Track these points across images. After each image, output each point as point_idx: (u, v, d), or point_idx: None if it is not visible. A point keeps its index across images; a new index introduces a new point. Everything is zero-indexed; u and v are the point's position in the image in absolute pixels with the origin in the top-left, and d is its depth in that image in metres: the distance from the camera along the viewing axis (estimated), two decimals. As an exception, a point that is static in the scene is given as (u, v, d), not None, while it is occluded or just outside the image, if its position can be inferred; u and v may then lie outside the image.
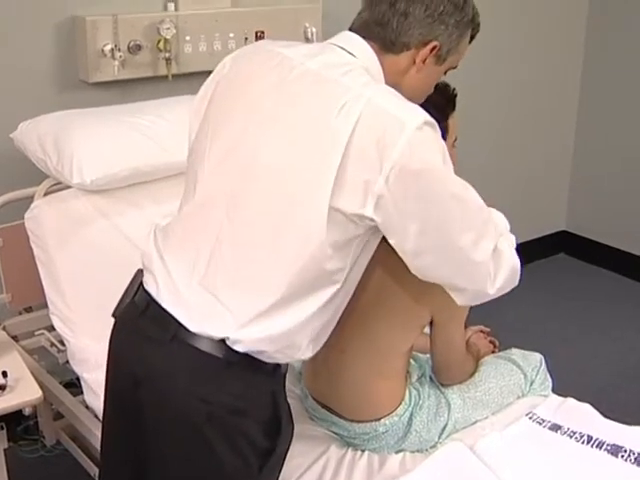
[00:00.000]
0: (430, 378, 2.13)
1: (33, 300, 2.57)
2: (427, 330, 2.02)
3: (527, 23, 3.98)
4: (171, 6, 2.85)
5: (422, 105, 1.77)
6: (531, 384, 2.24)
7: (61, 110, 2.57)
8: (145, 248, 1.69)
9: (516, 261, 1.71)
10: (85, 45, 2.67)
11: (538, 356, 2.30)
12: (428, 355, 2.12)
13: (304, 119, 1.53)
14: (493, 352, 2.32)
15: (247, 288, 1.56)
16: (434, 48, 1.62)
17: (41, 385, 2.14)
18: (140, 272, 1.70)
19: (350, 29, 1.67)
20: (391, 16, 1.60)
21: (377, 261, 1.91)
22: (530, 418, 2.14)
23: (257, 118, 1.58)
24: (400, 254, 1.58)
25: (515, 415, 2.16)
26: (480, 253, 1.61)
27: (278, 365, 1.65)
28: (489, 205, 1.73)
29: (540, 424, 2.12)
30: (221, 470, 1.61)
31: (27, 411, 2.17)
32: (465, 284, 1.67)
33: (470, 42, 1.72)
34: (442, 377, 2.10)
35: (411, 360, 2.11)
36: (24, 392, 2.06)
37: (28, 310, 2.65)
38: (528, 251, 4.38)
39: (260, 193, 1.55)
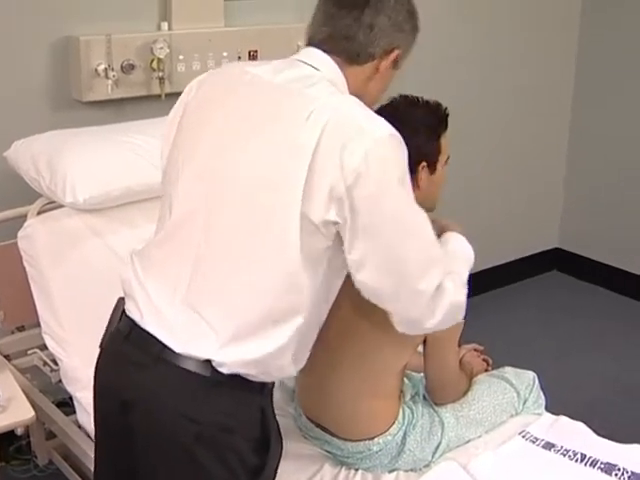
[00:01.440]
0: (424, 397, 2.14)
1: (26, 319, 2.56)
2: (421, 349, 2.02)
3: (518, 43, 4.01)
4: (164, 26, 2.86)
5: (414, 123, 1.85)
6: (524, 402, 2.24)
7: (54, 129, 2.57)
8: (124, 274, 1.70)
9: (459, 298, 1.65)
10: (79, 64, 2.68)
11: (531, 374, 2.31)
12: (422, 374, 2.12)
13: (273, 132, 1.56)
14: (486, 370, 2.32)
15: (228, 306, 1.57)
16: (397, 55, 1.68)
17: (33, 404, 2.13)
18: (122, 300, 1.71)
19: (310, 44, 1.70)
20: (357, 29, 1.63)
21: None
22: (523, 437, 2.14)
23: (227, 137, 1.61)
24: (348, 264, 1.57)
25: (508, 434, 2.16)
26: (423, 283, 1.59)
27: (266, 383, 1.66)
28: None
29: (533, 442, 2.12)
30: None
31: (19, 431, 2.16)
32: (401, 311, 1.65)
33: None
34: (436, 396, 2.10)
35: (405, 379, 2.11)
36: (16, 412, 2.06)
37: (21, 329, 2.64)
38: (521, 268, 4.41)
39: (235, 207, 1.57)
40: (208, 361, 1.56)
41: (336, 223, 1.52)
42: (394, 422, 2.02)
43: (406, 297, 1.61)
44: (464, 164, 3.60)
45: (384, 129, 1.53)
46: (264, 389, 1.66)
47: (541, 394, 2.30)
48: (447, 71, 3.75)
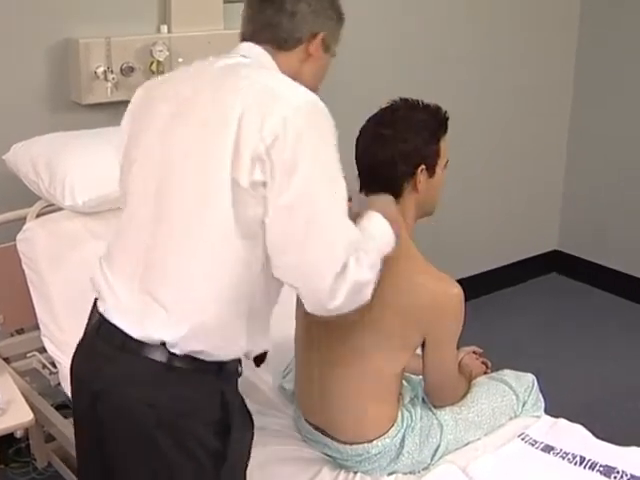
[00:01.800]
0: (423, 399, 2.13)
1: (25, 322, 2.56)
2: (419, 351, 2.02)
3: (517, 45, 4.01)
4: (164, 28, 2.86)
5: (414, 126, 1.88)
6: (523, 405, 2.24)
7: (53, 131, 2.57)
8: (93, 276, 1.78)
9: (362, 277, 1.62)
10: (78, 67, 2.68)
11: (530, 377, 2.31)
12: (420, 376, 2.12)
13: (208, 108, 1.64)
14: (485, 373, 2.32)
15: (177, 284, 1.63)
16: (323, 39, 1.77)
17: (32, 407, 2.13)
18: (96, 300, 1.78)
19: (242, 41, 1.80)
20: (280, 18, 1.74)
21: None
22: (523, 439, 2.14)
23: (168, 125, 1.68)
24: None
25: (507, 436, 2.16)
26: (327, 261, 1.58)
27: (224, 364, 1.67)
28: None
29: (533, 445, 2.12)
30: (176, 474, 1.64)
31: (18, 434, 2.16)
32: (306, 291, 1.64)
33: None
34: (434, 399, 2.10)
35: (403, 381, 2.11)
36: (15, 415, 2.06)
37: (20, 332, 2.64)
38: (520, 270, 4.41)
39: (176, 191, 1.64)
40: (164, 346, 1.61)
41: (264, 183, 1.56)
42: (393, 425, 2.02)
43: (308, 273, 1.60)
44: (463, 166, 3.60)
45: (304, 97, 1.62)
46: (222, 371, 1.67)
47: (540, 397, 2.30)
48: (446, 72, 3.75)
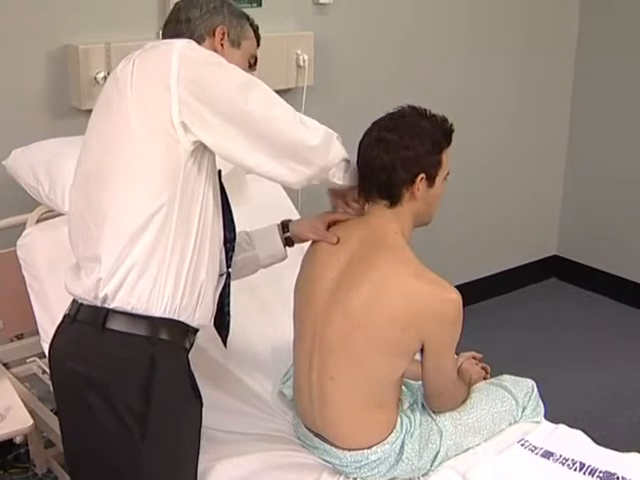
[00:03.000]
0: (422, 405, 2.13)
1: (24, 327, 2.56)
2: (418, 357, 2.02)
3: (518, 51, 4.02)
4: (163, 34, 2.87)
5: (418, 134, 1.94)
6: (523, 410, 2.24)
7: (53, 137, 2.58)
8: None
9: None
10: (78, 73, 2.69)
11: (530, 382, 2.30)
12: (420, 382, 2.12)
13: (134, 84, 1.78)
14: (485, 378, 2.32)
15: (108, 240, 1.75)
16: (222, 31, 1.96)
17: (32, 413, 2.13)
18: None
19: None
20: (180, 27, 1.98)
21: (355, 288, 1.92)
22: (522, 445, 2.14)
23: (96, 115, 1.88)
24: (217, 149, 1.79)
25: (507, 442, 2.16)
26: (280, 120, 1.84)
27: (157, 329, 1.76)
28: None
29: (532, 451, 2.12)
30: (106, 434, 1.76)
31: (18, 439, 2.16)
32: (283, 150, 1.83)
33: (258, 43, 2.10)
34: (434, 404, 2.10)
35: (403, 387, 2.11)
36: (15, 420, 2.06)
37: (19, 337, 2.64)
38: (520, 276, 4.41)
39: (102, 140, 1.81)
40: (102, 309, 1.75)
41: (183, 124, 1.71)
42: (392, 431, 2.02)
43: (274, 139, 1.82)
44: (462, 171, 3.60)
45: (181, 40, 1.81)
46: (155, 337, 1.76)
47: (540, 402, 2.29)
48: (445, 78, 3.76)
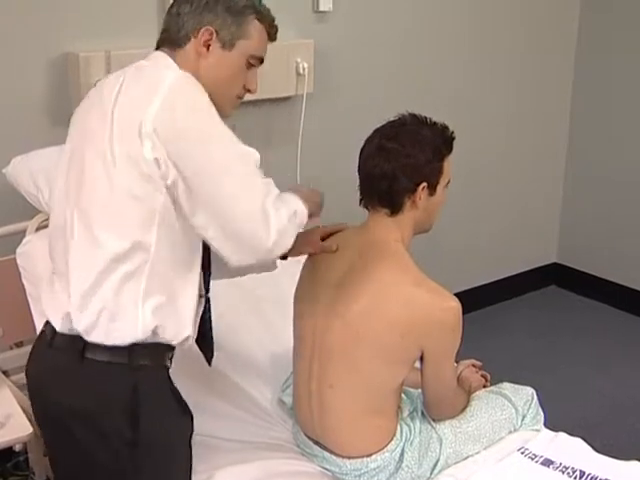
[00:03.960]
0: (422, 413, 2.13)
1: (24, 335, 2.56)
2: (418, 365, 2.02)
3: (517, 57, 4.03)
4: (164, 42, 2.87)
5: (419, 142, 1.93)
6: (523, 418, 2.24)
7: (53, 145, 2.57)
8: None
9: (291, 207, 1.76)
10: (78, 81, 2.69)
11: (530, 390, 2.30)
12: (419, 390, 2.12)
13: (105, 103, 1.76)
14: (485, 386, 2.32)
15: (80, 271, 1.73)
16: (209, 32, 1.83)
17: (31, 421, 2.13)
18: None
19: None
20: (170, 20, 1.89)
21: (354, 296, 1.93)
22: (522, 453, 2.14)
23: (75, 130, 1.86)
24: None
25: (507, 450, 2.16)
26: (245, 202, 1.70)
27: (135, 356, 1.73)
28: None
29: (532, 459, 2.12)
30: (95, 462, 1.76)
31: (17, 447, 2.16)
32: (235, 236, 1.71)
33: (271, 38, 1.94)
34: (433, 412, 2.10)
35: (402, 395, 2.11)
36: (15, 428, 2.06)
37: (19, 345, 2.64)
38: (519, 283, 4.41)
39: (78, 181, 1.77)
40: (79, 338, 1.72)
41: (156, 160, 1.65)
42: (392, 439, 2.02)
43: (236, 219, 1.70)
44: (461, 178, 3.61)
45: (178, 72, 1.74)
46: (136, 363, 1.74)
47: (540, 410, 2.29)
48: (445, 84, 3.77)
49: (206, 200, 1.68)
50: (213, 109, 1.70)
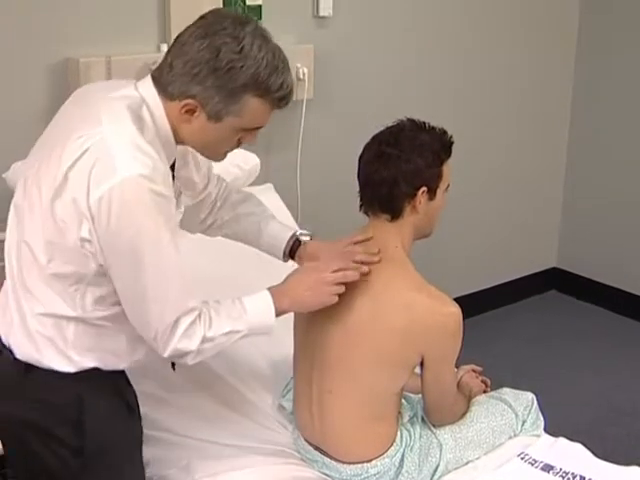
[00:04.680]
0: (422, 418, 2.13)
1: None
2: (418, 370, 2.02)
3: (517, 61, 4.03)
4: (164, 47, 2.87)
5: (418, 147, 1.91)
6: (523, 424, 2.23)
7: (54, 150, 2.58)
8: None
9: (186, 347, 1.73)
10: (78, 86, 2.64)
11: (530, 395, 2.30)
12: (420, 395, 2.11)
13: (58, 136, 1.71)
14: (485, 391, 2.32)
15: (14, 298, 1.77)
16: (193, 105, 1.68)
17: None
18: None
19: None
20: (164, 65, 1.71)
21: (354, 302, 1.93)
22: (522, 458, 2.14)
23: (38, 146, 1.82)
24: None
25: (507, 455, 2.15)
26: (157, 314, 1.70)
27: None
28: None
29: (532, 464, 2.11)
30: (47, 470, 1.78)
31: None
32: (144, 332, 1.74)
33: (281, 107, 1.75)
34: (433, 417, 2.10)
35: (402, 400, 2.11)
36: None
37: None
38: (519, 288, 4.41)
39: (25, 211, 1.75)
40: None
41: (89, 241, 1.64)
42: (392, 444, 2.01)
43: (145, 323, 1.72)
44: (460, 183, 3.60)
45: (134, 169, 1.60)
46: (81, 372, 1.76)
47: (540, 415, 2.29)
48: (445, 88, 3.77)
49: (122, 288, 1.70)
50: (153, 215, 1.62)
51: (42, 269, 1.70)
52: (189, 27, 1.71)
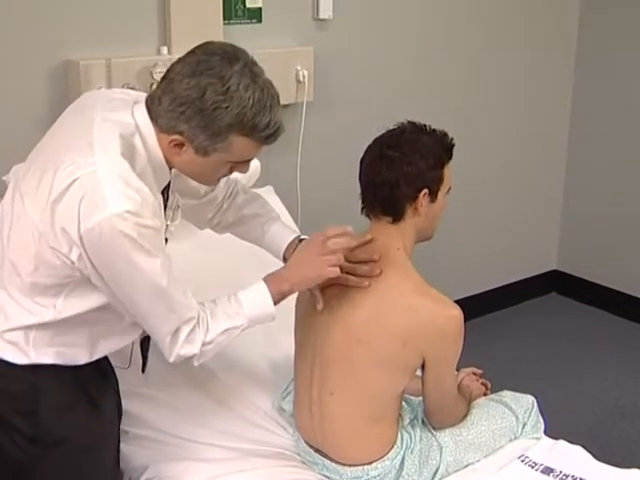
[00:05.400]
0: (422, 421, 2.13)
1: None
2: (419, 373, 2.02)
3: (517, 64, 4.03)
4: (164, 50, 2.88)
5: (419, 150, 1.92)
6: (523, 426, 2.23)
7: (54, 153, 2.58)
8: None
9: (188, 352, 1.81)
10: (78, 89, 2.69)
11: (530, 398, 2.30)
12: (420, 398, 2.11)
13: (53, 153, 1.73)
14: (485, 394, 2.32)
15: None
16: (180, 141, 1.71)
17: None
18: None
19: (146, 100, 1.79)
20: (155, 97, 1.73)
21: (356, 303, 1.92)
22: (522, 461, 2.13)
23: (33, 154, 1.85)
24: None
25: (507, 458, 2.15)
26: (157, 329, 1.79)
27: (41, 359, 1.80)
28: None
29: (532, 467, 2.11)
30: (8, 459, 1.82)
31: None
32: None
33: (269, 143, 1.76)
34: (434, 420, 2.10)
35: (403, 403, 2.11)
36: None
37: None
38: (519, 290, 4.41)
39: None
40: None
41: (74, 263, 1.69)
42: (392, 447, 2.01)
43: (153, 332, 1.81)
44: (461, 185, 3.60)
45: (122, 205, 1.62)
46: (37, 364, 1.79)
47: (540, 418, 2.29)
48: (446, 89, 3.77)
49: (121, 301, 1.74)
50: (141, 246, 1.66)
51: (23, 278, 1.74)
52: (180, 61, 1.73)
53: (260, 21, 3.12)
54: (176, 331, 1.76)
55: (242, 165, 1.81)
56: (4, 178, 2.54)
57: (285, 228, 2.16)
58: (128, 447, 2.14)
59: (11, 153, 2.60)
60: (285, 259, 2.10)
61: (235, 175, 1.91)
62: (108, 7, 2.78)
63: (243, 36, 3.06)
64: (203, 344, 1.80)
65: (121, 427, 2.11)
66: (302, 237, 2.13)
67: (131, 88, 2.73)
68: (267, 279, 1.91)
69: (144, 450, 2.14)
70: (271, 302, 1.88)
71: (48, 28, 2.69)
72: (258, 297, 1.88)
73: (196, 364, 1.86)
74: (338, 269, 1.88)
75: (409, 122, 2.03)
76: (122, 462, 2.11)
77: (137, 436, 2.18)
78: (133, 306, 1.74)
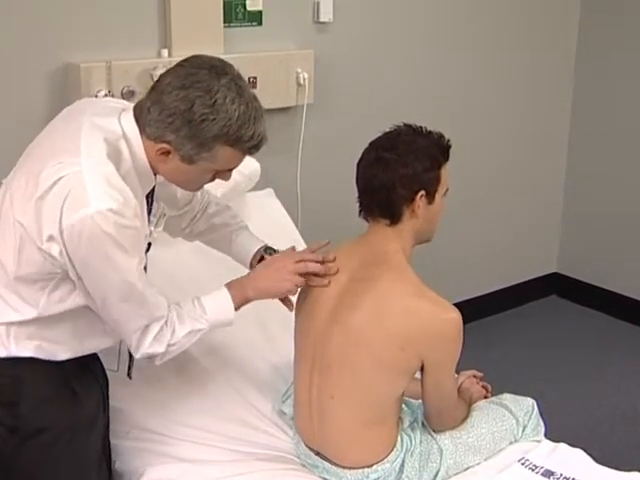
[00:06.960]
0: (422, 424, 2.13)
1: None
2: (419, 375, 2.02)
3: (517, 66, 4.03)
4: (164, 52, 2.88)
5: (415, 151, 1.93)
6: (523, 429, 2.23)
7: (54, 155, 2.58)
8: None
9: (155, 350, 1.87)
10: (79, 91, 2.69)
11: (530, 401, 2.30)
12: (420, 401, 2.11)
13: (41, 155, 1.81)
14: (485, 397, 2.32)
15: None
16: (167, 149, 1.78)
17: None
18: None
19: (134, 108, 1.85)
20: (144, 106, 1.79)
21: (355, 306, 1.93)
22: (523, 464, 2.13)
23: (22, 158, 1.92)
24: None
25: (507, 461, 2.15)
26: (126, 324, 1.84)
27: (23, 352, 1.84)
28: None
29: (533, 470, 2.11)
30: None
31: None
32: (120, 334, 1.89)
33: (252, 154, 1.84)
34: (434, 423, 2.10)
35: (403, 406, 2.11)
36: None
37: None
38: (519, 293, 4.41)
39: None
40: None
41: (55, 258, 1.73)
42: (392, 449, 2.01)
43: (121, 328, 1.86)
44: (461, 188, 3.61)
45: (105, 204, 1.68)
46: (18, 360, 1.84)
47: (540, 421, 2.29)
48: (445, 93, 3.77)
49: (93, 298, 1.79)
50: (119, 244, 1.71)
51: (8, 274, 1.79)
52: (169, 73, 1.79)
53: (260, 24, 3.12)
54: (145, 328, 1.83)
55: (225, 173, 1.88)
56: (4, 181, 2.53)
57: (252, 237, 2.24)
58: (127, 449, 2.14)
59: (11, 155, 2.60)
60: (252, 266, 2.18)
61: (211, 185, 1.97)
62: (108, 10, 2.78)
63: (243, 39, 3.07)
64: (169, 345, 1.87)
65: (121, 428, 2.12)
66: (269, 246, 2.21)
67: (131, 91, 2.76)
68: (230, 285, 2.00)
69: (142, 452, 2.14)
70: (232, 308, 1.97)
71: (48, 31, 2.69)
72: (221, 303, 1.97)
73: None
74: (297, 289, 2.04)
75: (405, 124, 2.04)
76: (120, 463, 2.12)
77: (135, 438, 2.17)
78: (105, 302, 1.78)
